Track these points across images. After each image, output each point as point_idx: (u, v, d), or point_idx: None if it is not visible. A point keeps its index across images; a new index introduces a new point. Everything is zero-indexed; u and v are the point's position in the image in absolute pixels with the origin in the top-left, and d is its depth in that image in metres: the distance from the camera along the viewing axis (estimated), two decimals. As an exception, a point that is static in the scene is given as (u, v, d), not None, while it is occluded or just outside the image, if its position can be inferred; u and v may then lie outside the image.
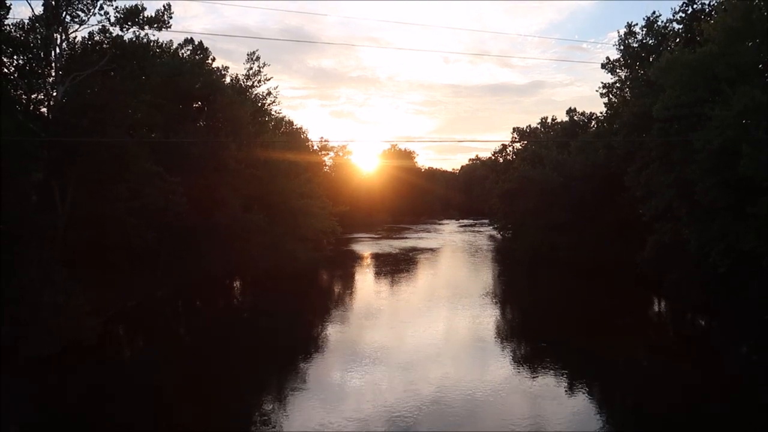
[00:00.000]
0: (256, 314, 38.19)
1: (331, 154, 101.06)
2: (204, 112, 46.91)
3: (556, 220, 53.73)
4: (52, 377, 23.08)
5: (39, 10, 33.76)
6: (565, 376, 23.86)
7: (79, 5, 34.04)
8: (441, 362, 25.51)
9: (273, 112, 63.45)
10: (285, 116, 68.07)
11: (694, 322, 35.80)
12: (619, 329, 32.17)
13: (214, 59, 51.87)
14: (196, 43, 50.85)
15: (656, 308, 39.64)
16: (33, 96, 35.09)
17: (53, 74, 34.58)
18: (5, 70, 32.91)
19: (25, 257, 26.21)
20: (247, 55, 59.19)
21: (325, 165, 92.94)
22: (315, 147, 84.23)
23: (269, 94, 61.53)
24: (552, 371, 24.47)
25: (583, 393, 22.34)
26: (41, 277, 25.43)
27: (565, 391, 22.37)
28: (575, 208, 52.28)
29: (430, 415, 19.58)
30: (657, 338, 31.72)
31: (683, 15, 42.47)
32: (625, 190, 40.27)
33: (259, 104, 59.89)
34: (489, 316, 35.29)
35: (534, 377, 23.73)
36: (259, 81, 59.55)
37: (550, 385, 22.90)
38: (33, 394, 21.89)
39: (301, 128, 73.95)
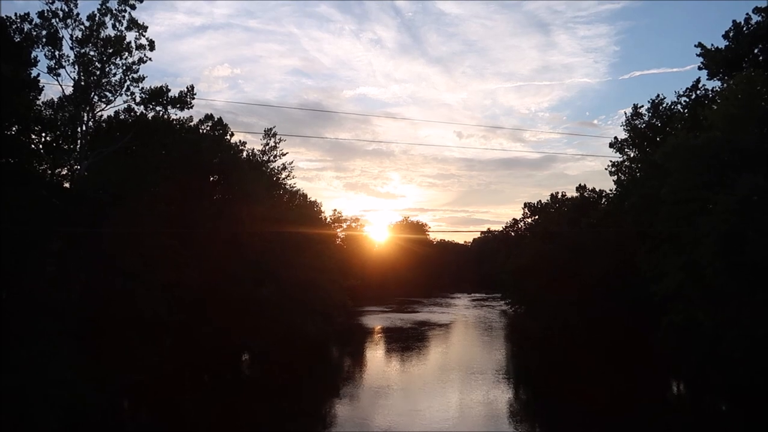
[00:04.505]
0: (264, 391, 37.61)
1: (344, 225, 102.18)
2: (220, 185, 48.09)
3: (568, 296, 53.24)
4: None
5: (69, 90, 35.54)
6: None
7: (108, 87, 35.74)
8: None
9: (287, 186, 64.87)
10: (299, 189, 69.40)
11: (715, 408, 34.61)
12: (637, 414, 31.17)
13: (232, 134, 53.40)
14: (216, 119, 52.78)
15: (674, 391, 38.44)
16: (57, 170, 36.39)
17: (78, 150, 35.93)
18: (32, 146, 34.29)
19: (34, 330, 26.42)
20: (264, 131, 61.03)
21: (338, 237, 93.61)
22: (328, 220, 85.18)
23: (284, 168, 63.21)
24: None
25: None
26: (49, 350, 25.51)
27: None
28: (587, 285, 51.89)
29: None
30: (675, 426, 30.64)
31: (687, 100, 43.66)
32: (637, 267, 40.07)
33: (275, 178, 61.30)
34: (502, 401, 34.43)
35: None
36: (275, 156, 61.36)
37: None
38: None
39: (315, 201, 75.17)
